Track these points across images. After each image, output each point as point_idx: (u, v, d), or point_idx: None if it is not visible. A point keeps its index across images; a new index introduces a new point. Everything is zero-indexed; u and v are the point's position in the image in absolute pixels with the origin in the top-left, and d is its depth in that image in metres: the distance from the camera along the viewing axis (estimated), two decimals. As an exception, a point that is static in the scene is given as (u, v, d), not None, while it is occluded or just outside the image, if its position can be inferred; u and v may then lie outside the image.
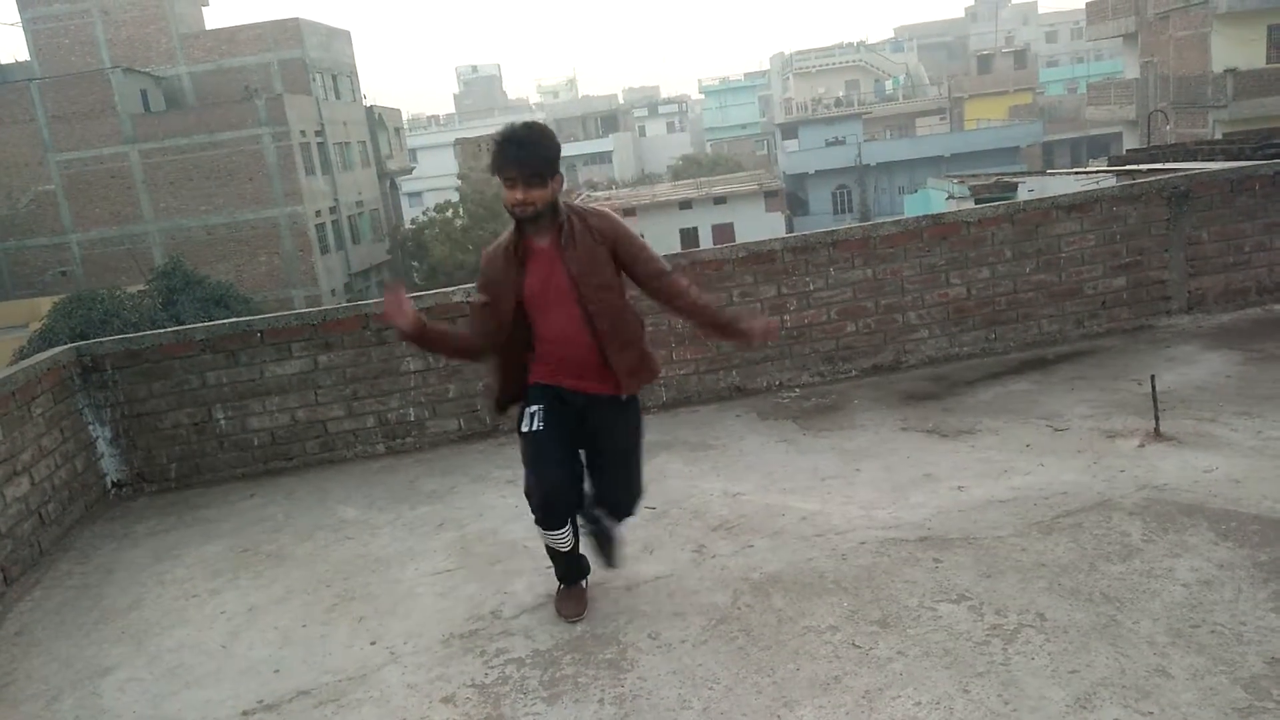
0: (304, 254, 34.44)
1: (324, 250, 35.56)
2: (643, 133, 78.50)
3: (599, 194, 43.86)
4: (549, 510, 3.13)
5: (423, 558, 4.06)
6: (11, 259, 34.30)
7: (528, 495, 3.16)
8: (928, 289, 5.92)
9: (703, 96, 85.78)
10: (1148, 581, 3.08)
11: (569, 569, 3.38)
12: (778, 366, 5.86)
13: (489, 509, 4.52)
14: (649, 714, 2.75)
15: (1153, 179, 6.29)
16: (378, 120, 43.68)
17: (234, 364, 5.45)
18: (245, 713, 3.06)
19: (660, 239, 32.96)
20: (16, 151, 33.58)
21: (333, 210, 37.03)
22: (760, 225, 37.85)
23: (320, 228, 35.50)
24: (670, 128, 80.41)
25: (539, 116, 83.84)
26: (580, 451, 3.25)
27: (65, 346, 5.44)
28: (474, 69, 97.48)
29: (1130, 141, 33.40)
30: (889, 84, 69.59)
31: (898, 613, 3.09)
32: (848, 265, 5.84)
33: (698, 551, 3.74)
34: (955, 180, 24.03)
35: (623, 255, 3.10)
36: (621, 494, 3.29)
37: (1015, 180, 19.19)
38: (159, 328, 9.78)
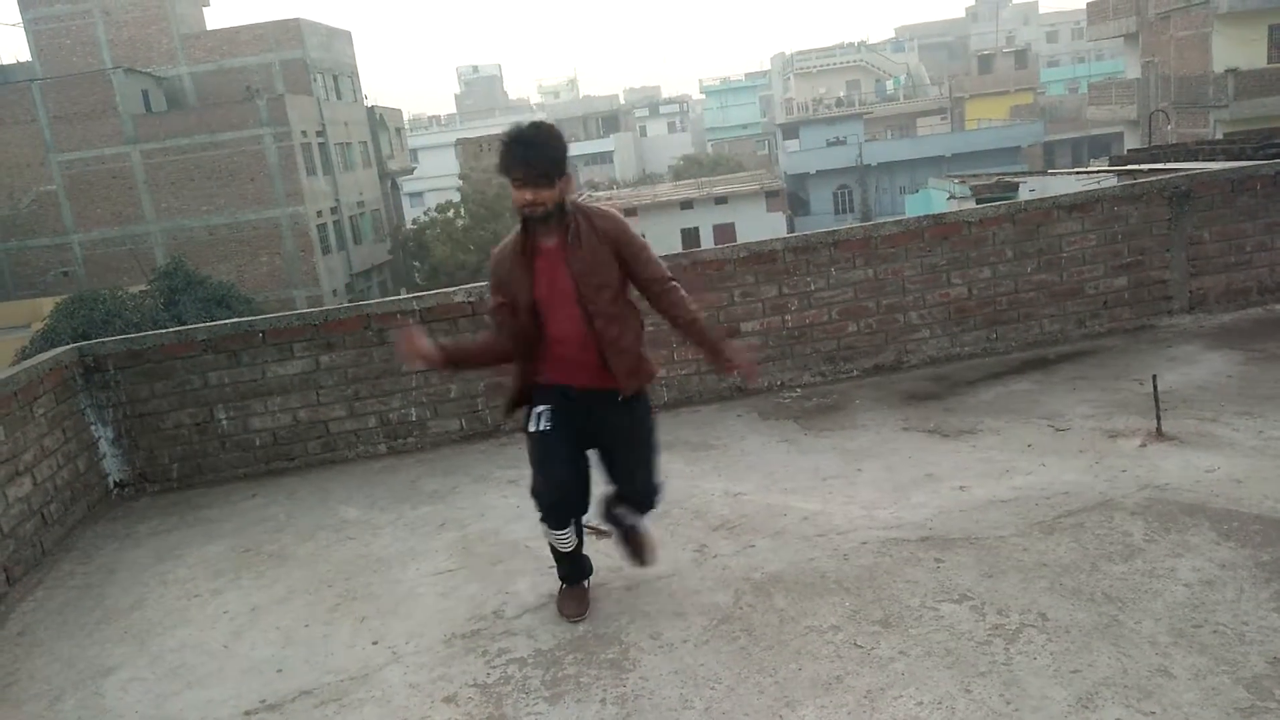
0: (305, 254, 34.47)
1: (325, 250, 35.59)
2: (644, 133, 78.51)
3: (600, 194, 43.86)
4: (555, 510, 3.14)
5: (424, 558, 4.07)
6: (13, 259, 34.34)
7: (534, 495, 3.16)
8: (929, 289, 5.92)
9: (704, 96, 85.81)
10: (1150, 581, 3.08)
11: (571, 569, 3.39)
12: (779, 366, 5.87)
13: (491, 509, 4.52)
14: (651, 714, 2.76)
15: (1154, 179, 6.28)
16: (379, 120, 43.70)
17: (236, 364, 5.45)
18: (248, 712, 3.06)
19: (661, 239, 32.98)
20: (18, 152, 33.62)
21: (334, 210, 37.06)
22: (761, 225, 37.87)
23: (322, 228, 35.52)
24: (671, 128, 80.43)
25: (540, 117, 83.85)
26: (591, 451, 3.24)
27: (67, 347, 5.44)
28: (475, 69, 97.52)
29: (1131, 141, 33.38)
30: (890, 84, 69.59)
31: (899, 612, 3.09)
32: (849, 265, 5.84)
33: (699, 551, 3.74)
34: (956, 180, 24.04)
35: (625, 257, 3.10)
36: (638, 485, 3.26)
37: (1016, 180, 19.19)
38: (161, 328, 9.80)
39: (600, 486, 3.31)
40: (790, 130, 57.65)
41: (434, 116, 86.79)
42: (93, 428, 5.32)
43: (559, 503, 3.14)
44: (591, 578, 3.48)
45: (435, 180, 60.08)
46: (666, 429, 5.39)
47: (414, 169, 52.12)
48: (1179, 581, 3.06)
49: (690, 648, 3.06)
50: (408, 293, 12.43)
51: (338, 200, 37.45)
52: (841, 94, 68.43)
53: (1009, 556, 3.36)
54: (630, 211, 34.95)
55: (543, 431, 3.14)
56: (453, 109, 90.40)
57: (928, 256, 5.89)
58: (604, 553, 3.66)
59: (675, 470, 4.62)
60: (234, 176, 33.85)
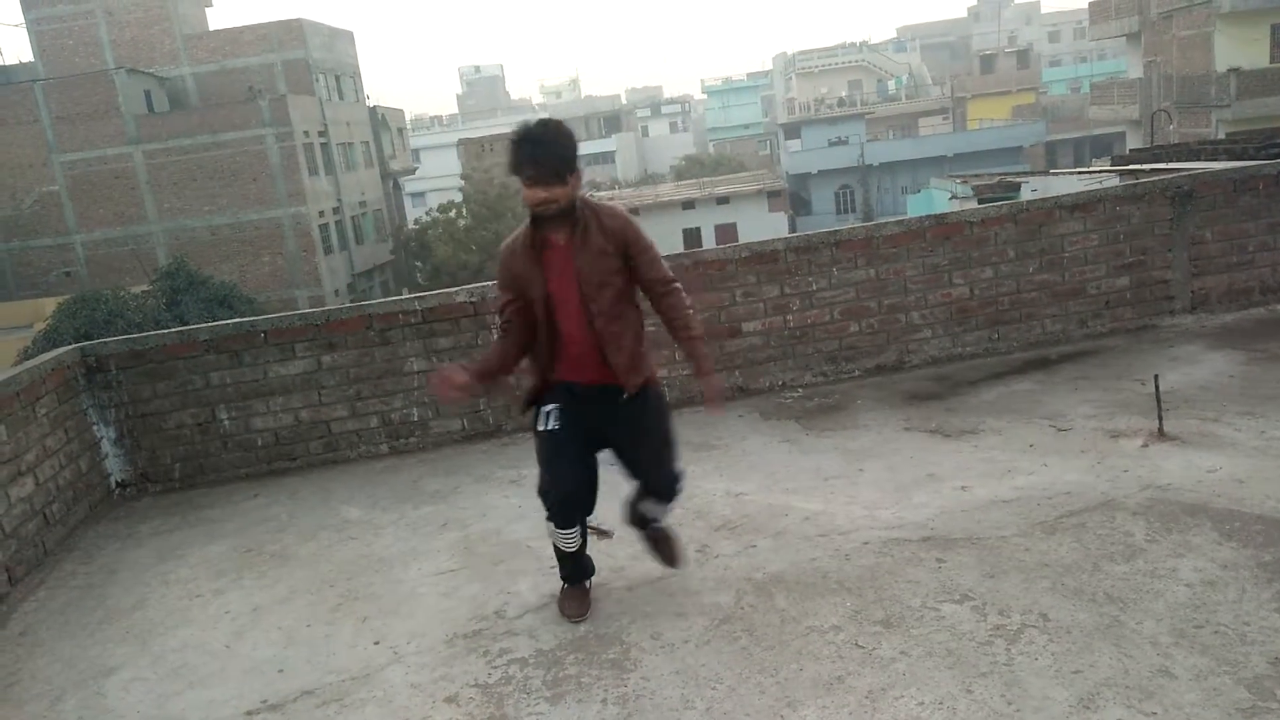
0: (307, 254, 34.49)
1: (327, 250, 35.61)
2: (646, 133, 78.52)
3: (602, 194, 43.84)
4: (562, 508, 3.14)
5: (426, 558, 4.07)
6: (16, 260, 34.38)
7: (542, 493, 3.16)
8: (931, 289, 5.92)
9: (705, 96, 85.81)
10: (1151, 582, 3.08)
11: (574, 569, 3.38)
12: (780, 366, 5.87)
13: (492, 509, 4.52)
14: (652, 714, 2.76)
15: (1156, 179, 6.28)
16: (381, 120, 43.72)
17: (238, 364, 5.45)
18: (249, 712, 3.07)
19: (663, 239, 32.92)
20: (21, 152, 33.65)
21: (336, 211, 37.08)
22: (763, 225, 37.89)
23: (324, 228, 35.55)
24: (673, 128, 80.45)
25: (542, 116, 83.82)
26: (607, 451, 3.24)
27: (70, 347, 5.45)
28: (477, 69, 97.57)
29: (1133, 141, 33.35)
30: (892, 84, 69.57)
31: (901, 613, 3.09)
32: (851, 265, 5.83)
33: (701, 552, 3.74)
34: (958, 180, 24.03)
35: (631, 256, 3.10)
36: (657, 475, 3.24)
37: (1018, 180, 19.18)
38: (163, 328, 9.81)
39: (622, 489, 3.31)
40: (792, 130, 57.65)
41: (436, 117, 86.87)
42: (95, 428, 5.33)
43: (566, 501, 3.13)
44: (593, 578, 3.47)
45: (437, 180, 60.11)
46: (668, 429, 5.39)
47: (416, 169, 52.14)
48: (1181, 582, 3.06)
49: (691, 648, 3.06)
50: (410, 293, 12.44)
51: (340, 200, 37.47)
52: (843, 94, 68.43)
53: (1011, 557, 3.36)
54: (633, 211, 34.70)
55: (551, 430, 3.14)
56: (455, 109, 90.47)
57: (929, 256, 5.89)
58: (605, 553, 3.66)
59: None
60: (236, 177, 33.88)
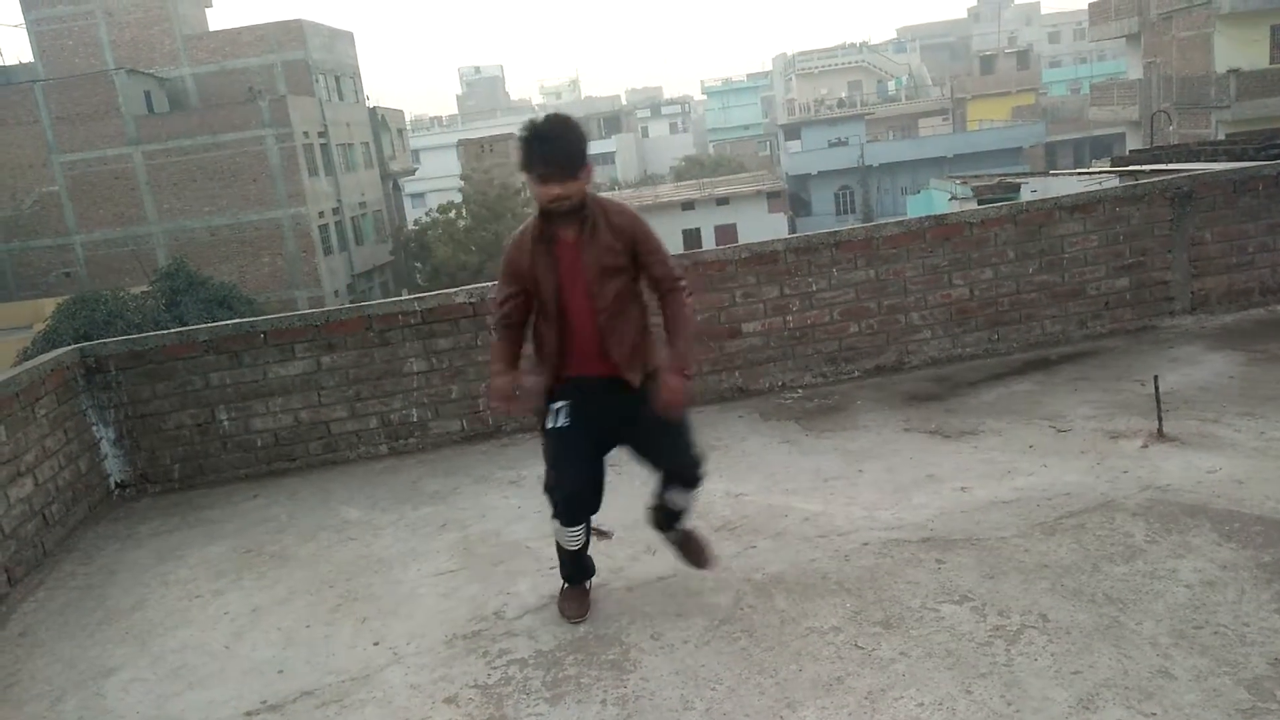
0: (307, 255, 34.50)
1: (327, 251, 35.62)
2: (645, 134, 78.55)
3: (602, 195, 43.79)
4: (569, 506, 3.13)
5: (425, 558, 4.07)
6: (16, 260, 34.38)
7: (549, 491, 3.15)
8: (930, 290, 5.92)
9: (705, 97, 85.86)
10: (1151, 582, 3.08)
11: (575, 569, 3.38)
12: (780, 367, 5.87)
13: (491, 510, 4.52)
14: (651, 714, 2.76)
15: (1156, 180, 6.28)
16: (381, 121, 43.73)
17: (237, 365, 5.45)
18: (249, 713, 3.07)
19: (663, 240, 32.93)
20: (20, 153, 33.67)
21: (336, 211, 37.08)
22: (763, 226, 37.92)
23: (323, 229, 35.55)
24: (673, 128, 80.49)
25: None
26: (614, 449, 3.23)
27: (69, 348, 5.45)
28: (477, 70, 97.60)
29: (1133, 142, 33.37)
30: (892, 85, 69.62)
31: (900, 614, 3.09)
32: (850, 266, 5.84)
33: (700, 552, 3.73)
34: (958, 181, 24.05)
35: (638, 253, 3.11)
36: (678, 459, 3.20)
37: (1018, 181, 19.20)
38: (162, 329, 9.81)
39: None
40: (792, 131, 57.68)
41: (436, 117, 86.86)
42: (94, 428, 5.33)
43: (573, 498, 3.13)
44: (593, 579, 3.47)
45: (437, 181, 60.12)
46: (668, 430, 5.39)
47: (416, 170, 52.15)
48: (1180, 582, 3.06)
49: (691, 649, 3.06)
50: (409, 293, 12.44)
51: (339, 201, 37.48)
52: (843, 95, 68.48)
53: (1010, 557, 3.36)
54: (632, 212, 34.88)
55: (560, 428, 3.13)
56: (454, 110, 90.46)
57: (929, 257, 5.89)
58: (604, 554, 3.66)
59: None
60: (236, 177, 33.88)
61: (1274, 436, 4.11)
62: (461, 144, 44.57)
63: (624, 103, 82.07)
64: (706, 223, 41.64)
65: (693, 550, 3.41)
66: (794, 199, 50.51)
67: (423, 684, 3.09)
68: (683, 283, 3.17)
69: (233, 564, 4.29)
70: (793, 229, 41.07)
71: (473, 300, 5.53)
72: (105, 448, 5.38)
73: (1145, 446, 4.17)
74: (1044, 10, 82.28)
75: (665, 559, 3.70)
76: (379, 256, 40.86)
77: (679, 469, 3.21)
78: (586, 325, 3.10)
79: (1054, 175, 18.24)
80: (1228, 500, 3.57)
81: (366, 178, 41.27)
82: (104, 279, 31.40)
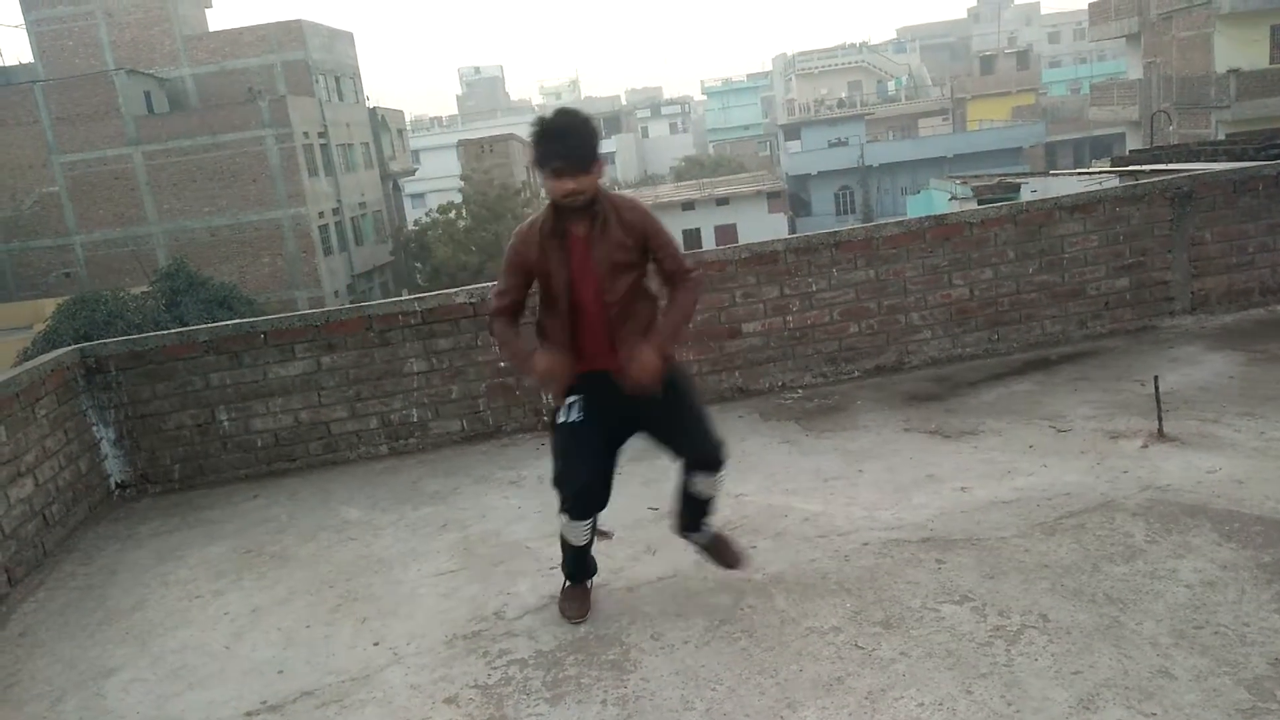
0: (307, 255, 34.49)
1: (327, 252, 35.61)
2: (645, 134, 78.58)
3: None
4: (579, 500, 3.11)
5: (425, 559, 4.07)
6: (16, 260, 34.38)
7: (558, 485, 3.14)
8: (930, 290, 5.92)
9: (705, 97, 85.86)
10: (1151, 582, 3.08)
11: (578, 566, 3.36)
12: (780, 368, 5.87)
13: (492, 510, 4.52)
14: (652, 715, 2.76)
15: (1156, 180, 6.28)
16: (380, 121, 43.73)
17: (237, 365, 5.45)
18: (249, 713, 3.07)
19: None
20: (20, 153, 33.66)
21: (335, 212, 37.08)
22: (763, 226, 37.94)
23: (323, 229, 35.55)
24: (673, 129, 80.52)
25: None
26: (628, 441, 3.22)
27: (69, 348, 5.45)
28: (477, 70, 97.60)
29: (1133, 142, 33.38)
30: (891, 85, 69.63)
31: (900, 614, 3.09)
32: (850, 266, 5.84)
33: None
34: (958, 181, 24.06)
35: (650, 248, 3.11)
36: (699, 443, 3.18)
37: (1018, 181, 19.21)
38: (162, 329, 9.80)
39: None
40: (792, 131, 57.70)
41: (436, 118, 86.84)
42: (94, 429, 5.33)
43: (583, 492, 3.11)
44: (594, 579, 3.47)
45: (437, 181, 60.12)
46: (668, 430, 5.39)
47: (416, 170, 52.15)
48: (1180, 582, 3.06)
49: (691, 649, 3.06)
50: (409, 294, 12.45)
51: (339, 201, 37.47)
52: (843, 95, 68.50)
53: (1010, 557, 3.36)
54: (632, 212, 34.87)
55: (573, 422, 3.12)
56: (454, 110, 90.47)
57: (929, 257, 5.89)
58: (605, 554, 3.65)
59: (676, 471, 4.62)
60: (236, 178, 33.88)
61: (1274, 436, 4.11)
62: (461, 144, 44.58)
63: (624, 103, 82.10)
64: (706, 223, 41.65)
65: (723, 552, 3.38)
66: (794, 199, 50.52)
67: (423, 684, 3.09)
68: (695, 275, 3.16)
69: (233, 564, 4.29)
70: (793, 229, 41.07)
71: (473, 300, 5.53)
72: (105, 448, 5.38)
73: (1145, 446, 4.17)
74: (1044, 10, 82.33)
75: (665, 559, 3.70)
76: (379, 257, 40.86)
77: (700, 453, 3.18)
78: (597, 320, 3.09)
79: (1054, 175, 18.24)
80: (1228, 500, 3.57)
81: (366, 178, 41.27)
82: (104, 279, 31.39)
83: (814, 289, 5.82)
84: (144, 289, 25.47)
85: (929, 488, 4.07)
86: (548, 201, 3.06)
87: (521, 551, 3.99)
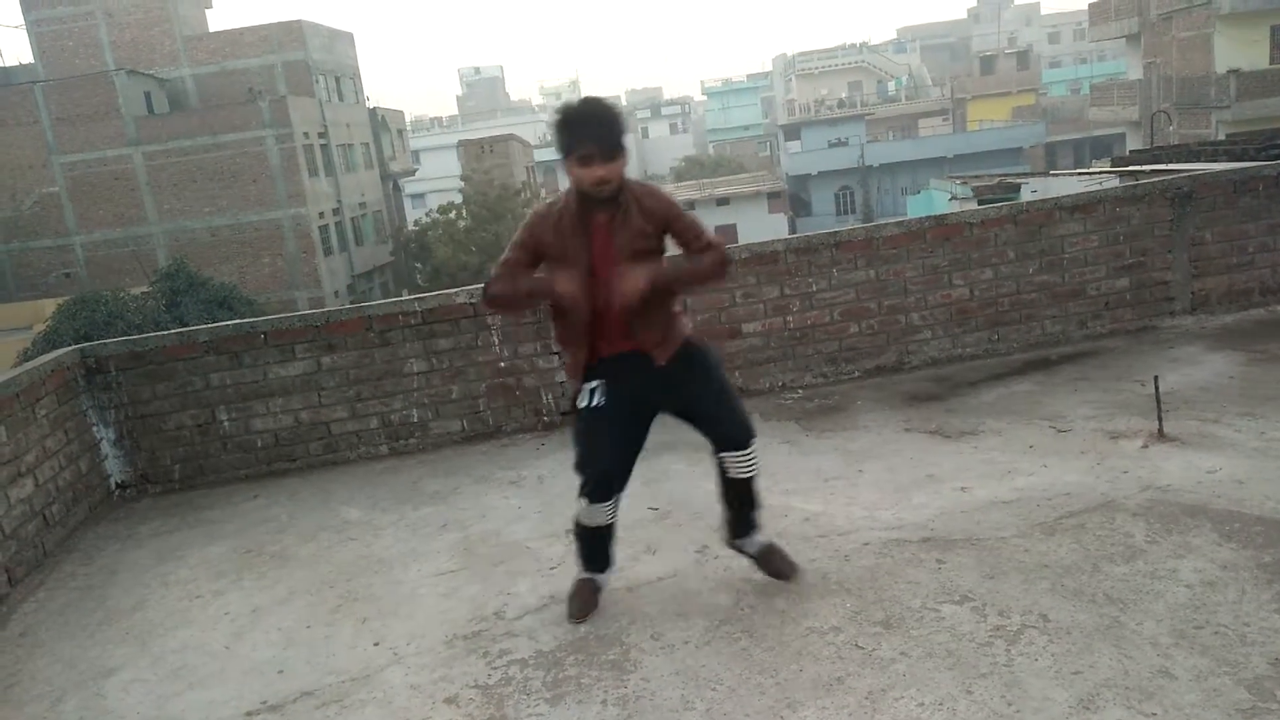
0: (307, 255, 34.49)
1: (327, 252, 35.61)
2: (646, 134, 78.57)
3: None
4: (600, 483, 3.10)
5: (426, 559, 4.07)
6: (15, 261, 34.38)
7: (579, 468, 3.13)
8: (931, 290, 5.92)
9: (705, 98, 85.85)
10: (1151, 582, 3.08)
11: (596, 552, 3.31)
12: (780, 368, 5.87)
13: (492, 510, 4.52)
14: (652, 715, 2.75)
15: (1156, 180, 6.28)
16: (381, 122, 43.73)
17: (237, 365, 5.46)
18: (249, 713, 3.07)
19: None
20: (20, 154, 33.66)
21: (336, 212, 37.08)
22: (763, 226, 37.95)
23: (323, 229, 35.55)
24: (673, 129, 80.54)
25: (542, 118, 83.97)
26: (653, 421, 3.21)
27: (69, 348, 5.45)
28: (477, 70, 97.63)
29: (1133, 142, 33.38)
30: (892, 85, 69.63)
31: (901, 614, 3.08)
32: (851, 266, 5.84)
33: (700, 552, 3.74)
34: (958, 181, 24.06)
35: (674, 232, 3.08)
36: (727, 422, 3.18)
37: (1018, 181, 19.21)
38: (163, 329, 9.81)
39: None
40: (792, 131, 57.69)
41: (436, 118, 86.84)
42: (94, 429, 5.33)
43: (605, 475, 3.11)
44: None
45: (437, 181, 60.10)
46: (668, 429, 5.36)
47: (416, 170, 52.15)
48: (1180, 583, 3.06)
49: (691, 649, 3.06)
50: (409, 294, 12.45)
51: (339, 202, 37.47)
52: (843, 95, 68.50)
53: (1010, 558, 3.36)
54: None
55: (593, 407, 3.11)
56: (454, 110, 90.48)
57: (929, 257, 5.89)
58: (605, 554, 3.65)
59: (676, 471, 4.63)
60: (236, 178, 33.88)
61: (1274, 436, 4.11)
62: (461, 144, 44.59)
63: (624, 103, 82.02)
64: (707, 223, 41.57)
65: (776, 562, 3.35)
66: (794, 199, 50.53)
67: (423, 684, 3.09)
68: (720, 245, 3.11)
69: (233, 564, 4.29)
70: (793, 229, 41.08)
71: (473, 300, 5.53)
72: (106, 448, 5.38)
73: (1145, 447, 4.17)
74: (1044, 10, 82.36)
75: (665, 559, 3.70)
76: (379, 257, 40.86)
77: (731, 428, 3.18)
78: (611, 308, 3.06)
79: (1054, 175, 18.25)
80: (1228, 500, 3.57)
81: (367, 178, 41.27)
82: (104, 279, 31.38)
83: (814, 289, 5.82)
84: (144, 289, 25.47)
85: (929, 488, 4.07)
86: (570, 189, 3.03)
87: (521, 551, 3.99)
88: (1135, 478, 3.88)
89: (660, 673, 2.95)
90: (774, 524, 3.89)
